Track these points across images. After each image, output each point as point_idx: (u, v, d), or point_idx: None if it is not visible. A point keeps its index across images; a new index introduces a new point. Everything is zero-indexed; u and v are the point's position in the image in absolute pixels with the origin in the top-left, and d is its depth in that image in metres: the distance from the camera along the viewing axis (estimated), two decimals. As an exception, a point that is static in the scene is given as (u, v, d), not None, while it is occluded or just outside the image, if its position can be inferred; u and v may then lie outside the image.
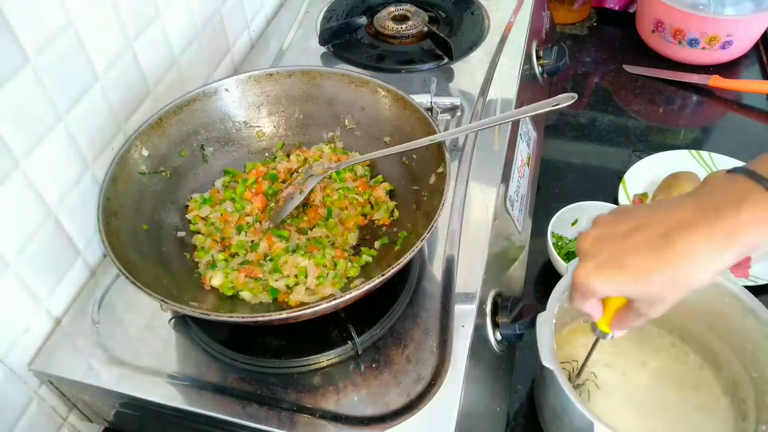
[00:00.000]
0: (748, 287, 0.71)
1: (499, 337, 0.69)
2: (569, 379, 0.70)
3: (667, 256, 0.44)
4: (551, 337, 0.64)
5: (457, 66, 0.95)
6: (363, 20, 1.02)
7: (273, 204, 0.72)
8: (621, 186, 1.03)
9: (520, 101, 0.91)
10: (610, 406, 0.73)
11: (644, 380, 0.75)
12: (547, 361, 0.62)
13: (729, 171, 0.47)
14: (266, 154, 0.78)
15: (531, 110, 0.64)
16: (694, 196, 0.47)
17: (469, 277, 0.68)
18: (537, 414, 0.76)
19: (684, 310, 0.74)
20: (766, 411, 0.67)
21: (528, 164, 0.94)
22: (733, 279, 0.84)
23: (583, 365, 0.69)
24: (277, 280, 0.64)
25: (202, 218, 0.71)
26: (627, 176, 1.04)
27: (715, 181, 0.47)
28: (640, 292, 0.47)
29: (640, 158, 1.07)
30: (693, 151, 1.08)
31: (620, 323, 0.53)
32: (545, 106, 0.62)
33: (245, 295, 0.64)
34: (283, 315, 0.54)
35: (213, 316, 0.54)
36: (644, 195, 1.02)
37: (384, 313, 0.65)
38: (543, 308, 0.67)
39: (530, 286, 0.92)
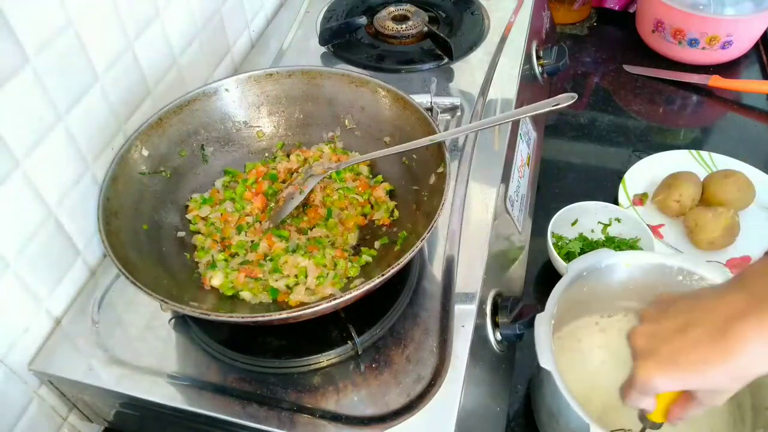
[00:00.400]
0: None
1: (499, 337, 0.69)
2: None
3: (725, 350, 0.45)
4: (549, 338, 0.63)
5: (457, 66, 0.95)
6: (363, 20, 1.02)
7: (273, 204, 0.72)
8: (621, 186, 1.03)
9: (520, 101, 0.91)
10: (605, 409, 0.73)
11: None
12: (544, 362, 0.62)
13: None
14: (266, 154, 0.78)
15: (531, 110, 0.64)
16: (741, 284, 0.48)
17: (469, 277, 0.68)
18: (533, 415, 0.75)
19: None
20: (762, 416, 0.67)
21: (528, 164, 0.94)
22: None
23: None
24: (277, 280, 0.64)
25: (202, 218, 0.71)
26: (627, 176, 1.04)
27: (759, 267, 0.48)
28: (702, 385, 0.48)
29: (640, 158, 1.07)
30: (693, 151, 1.08)
31: (682, 413, 0.54)
32: (545, 106, 0.62)
33: (245, 295, 0.64)
34: (283, 315, 0.54)
35: (213, 316, 0.54)
36: (644, 195, 1.02)
37: (384, 313, 0.65)
38: (543, 308, 0.67)
39: (530, 286, 0.92)
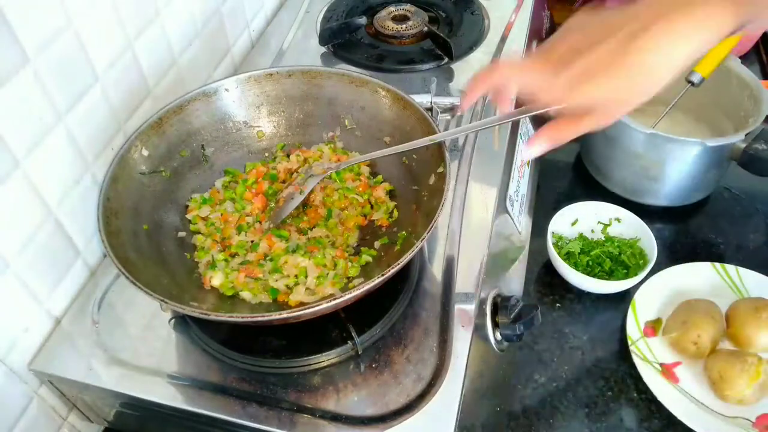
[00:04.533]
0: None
1: (499, 337, 0.69)
2: None
3: (633, 55, 0.46)
4: None
5: (457, 66, 0.95)
6: (363, 20, 1.02)
7: (273, 204, 0.72)
8: (630, 310, 0.88)
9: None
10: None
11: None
12: None
13: None
14: (266, 154, 0.78)
15: (531, 110, 0.64)
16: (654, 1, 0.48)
17: (469, 277, 0.68)
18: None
19: (700, 91, 0.93)
20: None
21: (528, 164, 0.94)
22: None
23: None
24: (277, 280, 0.64)
25: (202, 218, 0.71)
26: (637, 296, 0.87)
27: None
28: (607, 97, 0.49)
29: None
30: (717, 264, 0.90)
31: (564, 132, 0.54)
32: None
33: (245, 295, 0.64)
34: (283, 315, 0.54)
35: (213, 316, 0.54)
36: (657, 321, 0.86)
37: (384, 313, 0.65)
38: (543, 308, 0.66)
39: (530, 286, 0.92)
